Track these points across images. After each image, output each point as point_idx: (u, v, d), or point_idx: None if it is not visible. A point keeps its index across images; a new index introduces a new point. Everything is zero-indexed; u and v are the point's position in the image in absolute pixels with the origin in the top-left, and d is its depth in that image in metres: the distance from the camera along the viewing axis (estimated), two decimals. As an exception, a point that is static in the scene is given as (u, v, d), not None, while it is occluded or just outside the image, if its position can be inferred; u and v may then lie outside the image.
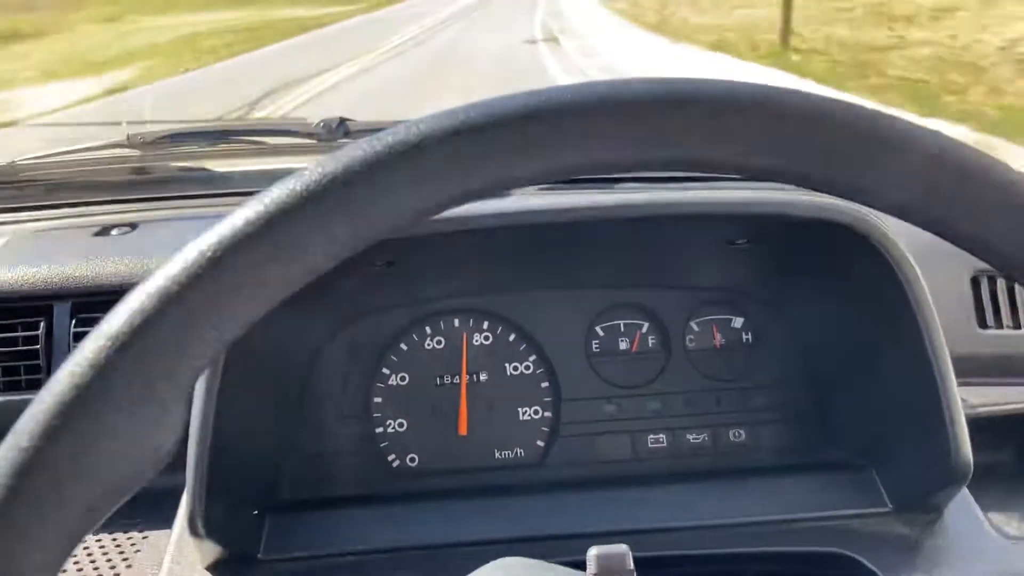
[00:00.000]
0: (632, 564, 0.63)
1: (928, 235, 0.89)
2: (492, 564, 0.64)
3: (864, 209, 0.84)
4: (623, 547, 0.64)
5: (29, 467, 0.32)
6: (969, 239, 0.39)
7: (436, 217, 0.86)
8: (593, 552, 0.63)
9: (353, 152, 0.36)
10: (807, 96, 0.38)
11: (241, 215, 0.36)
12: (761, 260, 0.99)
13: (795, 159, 0.38)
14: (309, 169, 0.36)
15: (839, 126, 0.37)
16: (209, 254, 0.35)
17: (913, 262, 0.83)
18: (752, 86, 0.38)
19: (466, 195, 0.38)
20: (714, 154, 0.38)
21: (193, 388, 0.36)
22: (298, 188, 0.36)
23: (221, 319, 0.35)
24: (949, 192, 0.38)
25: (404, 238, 0.84)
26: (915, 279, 0.82)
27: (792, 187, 1.25)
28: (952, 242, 0.39)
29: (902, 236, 0.85)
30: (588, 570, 0.64)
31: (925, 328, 0.82)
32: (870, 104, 0.37)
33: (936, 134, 0.38)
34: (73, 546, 0.34)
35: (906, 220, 0.39)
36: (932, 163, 0.37)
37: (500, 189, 0.38)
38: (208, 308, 0.35)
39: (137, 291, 0.35)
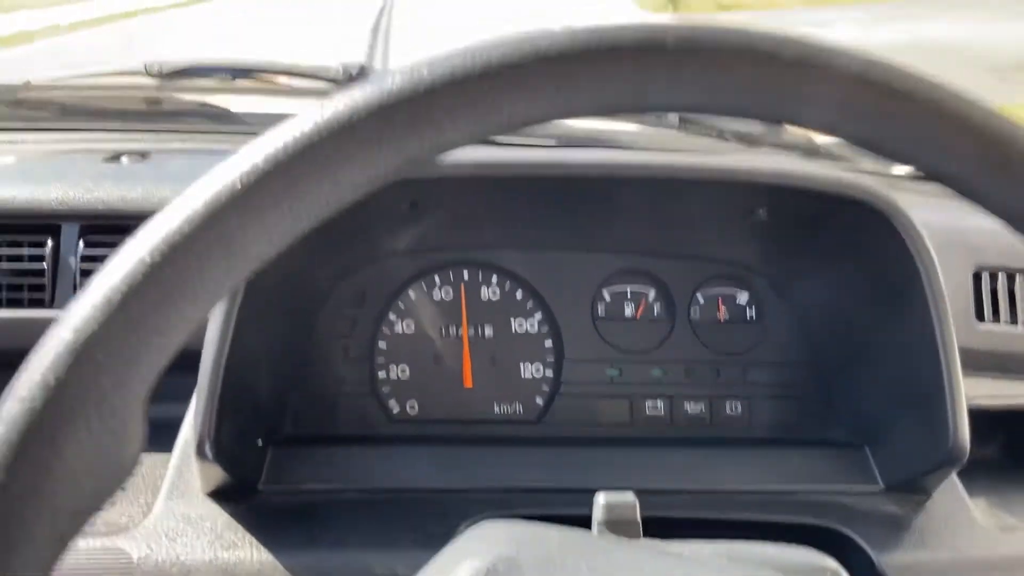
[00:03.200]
0: (639, 515, 0.64)
1: (936, 227, 0.90)
2: (481, 525, 0.61)
3: (885, 188, 0.85)
4: (631, 495, 0.64)
5: None
6: (901, 156, 0.39)
7: (462, 162, 0.85)
8: (601, 499, 0.64)
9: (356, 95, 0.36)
10: (723, 31, 0.38)
11: (178, 213, 0.34)
12: (775, 235, 1.00)
13: (716, 95, 0.38)
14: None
15: (760, 57, 0.37)
16: (152, 256, 0.34)
17: (929, 244, 0.84)
18: (667, 27, 0.38)
19: (485, 132, 0.38)
20: (637, 97, 0.38)
21: (148, 397, 0.35)
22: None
23: (168, 323, 0.34)
24: (875, 112, 0.38)
25: (429, 180, 0.85)
26: (930, 261, 0.84)
27: (816, 158, 1.26)
28: (886, 158, 0.40)
29: None
30: (595, 516, 0.64)
31: (935, 310, 0.83)
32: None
33: (857, 54, 0.38)
34: None
35: (838, 138, 0.40)
36: (856, 84, 0.38)
37: (521, 125, 0.38)
38: (153, 315, 0.34)
39: (78, 302, 0.34)
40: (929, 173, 0.40)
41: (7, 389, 0.33)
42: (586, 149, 1.02)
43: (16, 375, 0.33)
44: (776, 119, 0.40)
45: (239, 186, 0.35)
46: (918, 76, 0.38)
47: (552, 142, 1.28)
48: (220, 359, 0.78)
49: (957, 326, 0.96)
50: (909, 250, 0.84)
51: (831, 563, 0.67)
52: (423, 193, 0.90)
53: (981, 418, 0.98)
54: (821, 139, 1.30)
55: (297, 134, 0.36)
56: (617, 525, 0.64)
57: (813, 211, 0.92)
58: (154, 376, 0.35)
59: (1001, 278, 1.11)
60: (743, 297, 1.08)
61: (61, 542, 0.33)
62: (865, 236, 0.89)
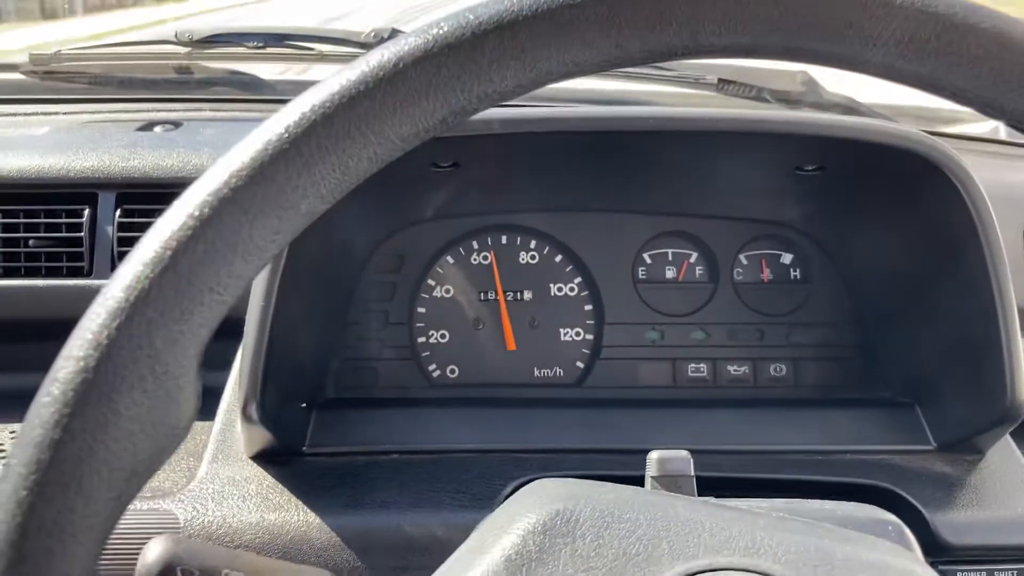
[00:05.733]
0: (693, 470, 0.63)
1: (984, 184, 0.87)
2: (536, 483, 0.61)
3: (940, 140, 0.83)
4: (684, 452, 0.63)
5: (48, 462, 0.31)
6: (961, 94, 0.38)
7: (505, 118, 0.83)
8: (654, 455, 0.63)
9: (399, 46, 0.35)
10: None
11: (217, 177, 0.34)
12: (823, 191, 0.98)
13: (768, 34, 0.37)
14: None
15: None
16: (201, 211, 0.33)
17: (986, 196, 0.82)
18: None
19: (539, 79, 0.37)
20: (688, 39, 0.37)
21: (201, 356, 0.34)
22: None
23: (220, 279, 0.34)
24: (934, 48, 0.36)
25: (470, 138, 0.83)
26: (987, 213, 0.81)
27: (867, 113, 1.24)
28: (946, 97, 0.38)
29: None
30: (648, 472, 0.63)
31: (992, 263, 0.81)
32: None
33: None
34: (107, 536, 0.33)
35: (896, 81, 0.38)
36: (915, 19, 0.36)
37: (571, 74, 0.37)
38: (204, 271, 0.33)
39: (129, 260, 0.34)
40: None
41: (62, 350, 0.33)
42: (629, 106, 0.99)
43: (70, 336, 0.33)
44: (831, 62, 0.38)
45: (287, 139, 0.34)
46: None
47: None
48: (264, 322, 0.77)
49: (1008, 284, 0.94)
50: (965, 202, 0.81)
51: (891, 517, 0.65)
52: (464, 153, 0.89)
53: None
54: (862, 99, 1.28)
55: (344, 84, 0.35)
56: (671, 481, 0.63)
57: (864, 165, 0.90)
58: (207, 334, 0.34)
59: None
60: (787, 257, 1.06)
61: (118, 502, 0.33)
62: (919, 189, 0.87)
